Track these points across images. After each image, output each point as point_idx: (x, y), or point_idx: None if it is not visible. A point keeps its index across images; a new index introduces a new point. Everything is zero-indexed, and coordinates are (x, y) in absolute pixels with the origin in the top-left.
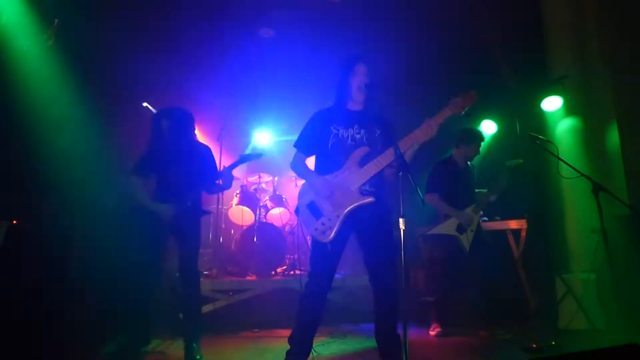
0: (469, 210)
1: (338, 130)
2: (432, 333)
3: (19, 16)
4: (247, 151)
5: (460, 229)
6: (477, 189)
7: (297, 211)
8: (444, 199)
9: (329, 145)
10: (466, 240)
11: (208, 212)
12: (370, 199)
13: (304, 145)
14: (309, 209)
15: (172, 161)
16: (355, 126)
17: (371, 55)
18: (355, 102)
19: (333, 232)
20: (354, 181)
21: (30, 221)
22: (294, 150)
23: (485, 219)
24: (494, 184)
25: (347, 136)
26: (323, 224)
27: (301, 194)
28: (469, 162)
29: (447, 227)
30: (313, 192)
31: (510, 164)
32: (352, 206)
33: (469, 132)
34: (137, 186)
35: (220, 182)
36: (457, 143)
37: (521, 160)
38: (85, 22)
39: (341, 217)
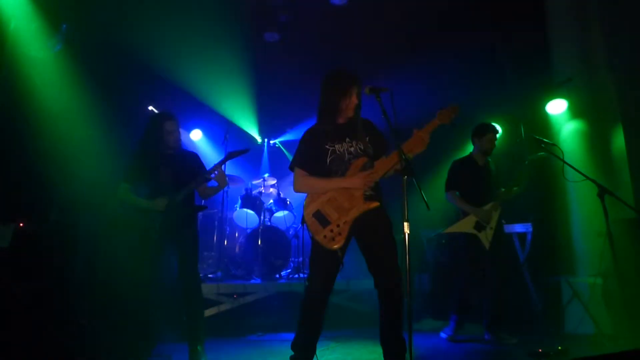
0: (487, 207)
1: (333, 147)
2: (443, 336)
3: (27, 22)
4: None
5: (479, 226)
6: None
7: (302, 221)
8: (463, 196)
9: (327, 162)
10: (485, 238)
11: (202, 208)
12: (375, 204)
13: (305, 164)
14: (316, 218)
15: (163, 164)
16: (347, 139)
17: (371, 60)
18: (343, 118)
19: (343, 239)
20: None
21: (36, 224)
22: (294, 172)
23: None
24: (516, 180)
25: (343, 151)
26: (331, 231)
27: (306, 205)
28: (488, 159)
29: (465, 225)
30: (327, 195)
31: (534, 157)
32: (359, 213)
33: (480, 125)
34: (128, 193)
35: (214, 177)
36: (472, 139)
37: (544, 153)
38: (93, 28)
39: (349, 223)
